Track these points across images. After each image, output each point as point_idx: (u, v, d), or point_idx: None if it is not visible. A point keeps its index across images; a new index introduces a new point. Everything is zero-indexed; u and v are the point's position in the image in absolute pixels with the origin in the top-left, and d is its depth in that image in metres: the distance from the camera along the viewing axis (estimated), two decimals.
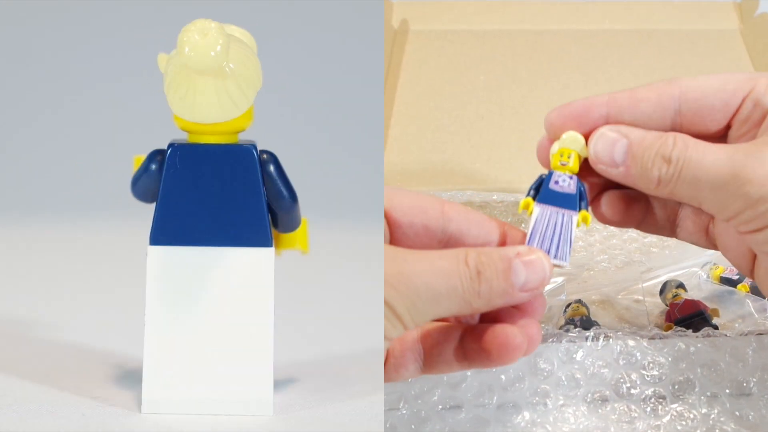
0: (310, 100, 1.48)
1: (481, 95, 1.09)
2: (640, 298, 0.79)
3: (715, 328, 0.72)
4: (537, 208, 0.55)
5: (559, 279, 0.77)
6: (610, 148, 0.54)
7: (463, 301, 0.51)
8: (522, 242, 0.54)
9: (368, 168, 1.31)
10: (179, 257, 0.71)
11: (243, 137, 0.72)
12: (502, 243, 0.55)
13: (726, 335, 0.68)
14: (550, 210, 0.55)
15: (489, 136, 1.04)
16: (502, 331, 0.52)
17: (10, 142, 1.47)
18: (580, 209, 0.55)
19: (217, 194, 0.71)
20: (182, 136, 0.72)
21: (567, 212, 0.55)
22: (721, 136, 0.57)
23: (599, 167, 0.55)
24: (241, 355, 0.71)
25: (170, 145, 0.71)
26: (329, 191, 1.38)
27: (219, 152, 0.71)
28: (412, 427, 0.67)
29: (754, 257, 0.56)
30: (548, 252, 0.54)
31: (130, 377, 0.78)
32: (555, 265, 0.54)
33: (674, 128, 0.56)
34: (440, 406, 0.68)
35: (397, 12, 1.21)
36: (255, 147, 0.71)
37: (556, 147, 0.56)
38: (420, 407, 0.68)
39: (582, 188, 0.56)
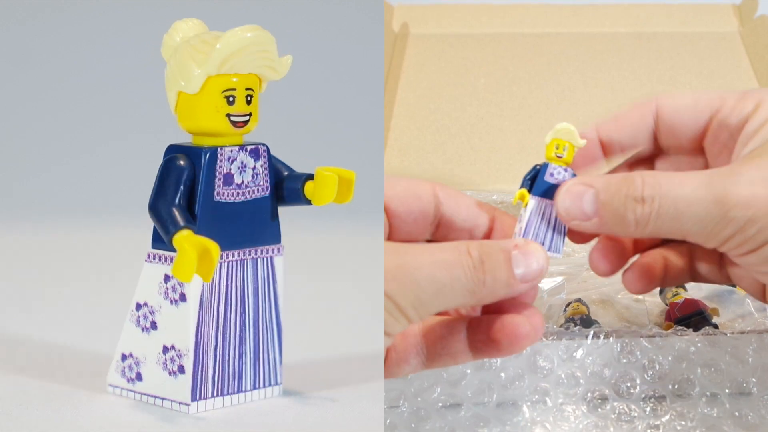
0: (310, 103, 1.48)
1: (481, 97, 1.10)
2: (640, 297, 0.79)
3: (715, 327, 0.72)
4: (532, 201, 0.55)
5: (559, 278, 0.77)
6: (578, 201, 0.54)
7: (467, 291, 0.51)
8: (512, 227, 0.55)
9: (368, 170, 1.31)
10: None
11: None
12: (491, 227, 0.55)
13: (726, 334, 0.69)
14: (545, 203, 0.55)
15: (489, 137, 1.04)
16: (510, 321, 0.52)
17: (11, 143, 1.47)
18: None
19: None
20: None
21: None
22: (700, 152, 0.57)
23: (573, 224, 0.54)
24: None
25: None
26: None
27: None
28: (412, 425, 0.67)
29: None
30: (542, 244, 0.54)
31: None
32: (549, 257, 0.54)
33: (654, 144, 0.57)
34: (440, 404, 0.68)
35: (398, 15, 1.21)
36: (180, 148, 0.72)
37: (549, 137, 0.55)
38: (420, 405, 0.68)
39: None
